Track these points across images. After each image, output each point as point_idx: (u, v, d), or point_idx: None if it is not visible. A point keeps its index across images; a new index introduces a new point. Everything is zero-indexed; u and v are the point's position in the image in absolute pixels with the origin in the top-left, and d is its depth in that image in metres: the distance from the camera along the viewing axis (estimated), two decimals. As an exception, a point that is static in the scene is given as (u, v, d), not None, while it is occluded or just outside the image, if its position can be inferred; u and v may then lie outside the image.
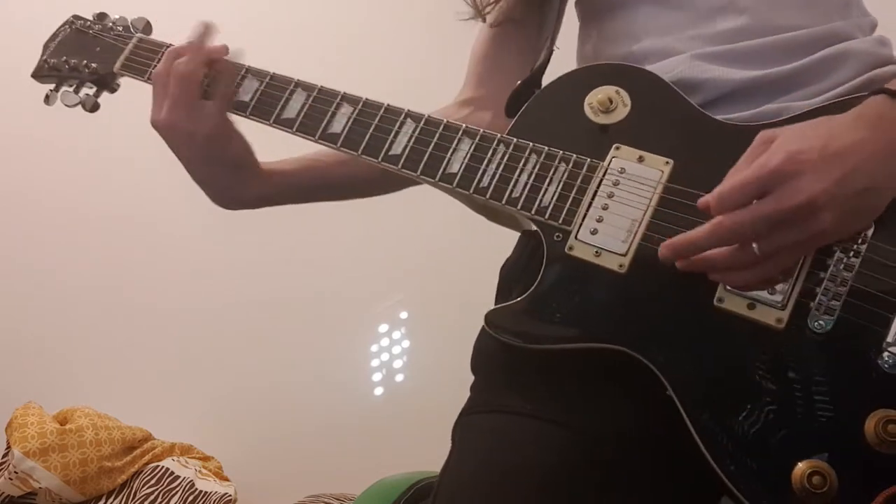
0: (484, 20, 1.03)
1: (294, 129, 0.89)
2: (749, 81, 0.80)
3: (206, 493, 1.92)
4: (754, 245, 0.63)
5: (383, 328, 2.35)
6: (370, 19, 2.44)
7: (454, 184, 0.81)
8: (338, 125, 0.87)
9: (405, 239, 2.30)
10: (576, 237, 0.75)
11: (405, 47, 2.40)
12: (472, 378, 0.87)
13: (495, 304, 0.85)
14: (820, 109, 0.75)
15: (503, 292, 0.87)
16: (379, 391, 2.33)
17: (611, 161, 0.77)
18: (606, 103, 0.80)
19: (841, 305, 0.66)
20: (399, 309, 2.36)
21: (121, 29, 1.04)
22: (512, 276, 0.87)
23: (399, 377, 2.33)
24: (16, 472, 1.82)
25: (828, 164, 0.61)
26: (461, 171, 0.81)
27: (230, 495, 1.93)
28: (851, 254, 0.67)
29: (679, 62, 0.82)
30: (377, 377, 2.33)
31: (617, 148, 0.78)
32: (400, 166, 0.84)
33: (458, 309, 2.23)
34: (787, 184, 0.61)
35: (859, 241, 0.67)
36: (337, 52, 2.35)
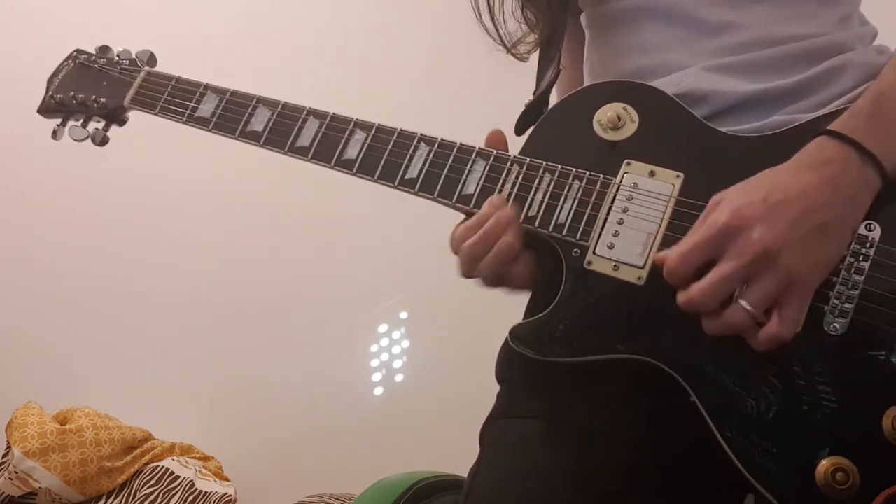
0: (514, 55, 1.02)
1: (309, 157, 0.90)
2: (756, 93, 0.82)
3: (206, 493, 1.93)
4: (742, 303, 0.65)
5: (383, 328, 2.35)
6: (371, 24, 2.45)
7: (471, 205, 0.82)
8: (352, 151, 0.88)
9: (405, 239, 2.30)
10: (594, 252, 0.77)
11: (404, 54, 2.41)
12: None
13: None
14: (823, 118, 0.76)
15: (530, 310, 0.87)
16: (379, 391, 2.33)
17: (623, 176, 0.79)
18: (615, 120, 0.81)
19: (854, 308, 0.68)
20: (399, 309, 2.36)
21: (126, 62, 1.04)
22: (537, 294, 0.87)
23: (399, 377, 2.34)
24: (16, 472, 1.82)
25: (774, 212, 0.64)
26: (477, 192, 0.83)
27: (230, 495, 1.94)
28: (861, 258, 0.69)
29: (688, 74, 0.84)
30: (377, 377, 2.34)
31: (628, 163, 0.79)
32: (417, 190, 0.85)
33: (457, 309, 2.24)
34: (738, 239, 0.64)
35: (868, 245, 0.69)
36: (335, 56, 2.35)
